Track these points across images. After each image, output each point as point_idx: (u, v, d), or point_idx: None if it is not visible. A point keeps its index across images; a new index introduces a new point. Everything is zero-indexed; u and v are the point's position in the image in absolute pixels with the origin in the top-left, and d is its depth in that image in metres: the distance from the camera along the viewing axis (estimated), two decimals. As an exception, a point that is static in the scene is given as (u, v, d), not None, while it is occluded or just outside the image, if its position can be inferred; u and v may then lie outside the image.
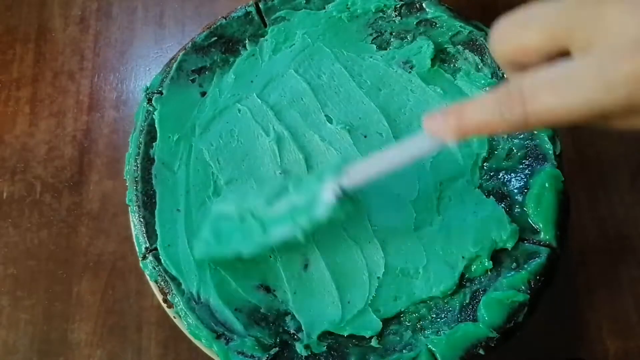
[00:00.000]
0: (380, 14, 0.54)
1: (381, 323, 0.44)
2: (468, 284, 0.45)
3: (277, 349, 0.43)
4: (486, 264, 0.45)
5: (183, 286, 0.45)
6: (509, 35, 0.29)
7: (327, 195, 0.39)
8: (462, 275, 0.45)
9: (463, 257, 0.45)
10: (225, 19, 0.53)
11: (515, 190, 0.47)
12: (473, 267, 0.46)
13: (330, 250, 0.47)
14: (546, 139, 0.47)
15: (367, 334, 0.44)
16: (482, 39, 0.51)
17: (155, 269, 0.45)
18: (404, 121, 0.51)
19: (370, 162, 0.38)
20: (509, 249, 0.45)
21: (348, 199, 0.39)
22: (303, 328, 0.44)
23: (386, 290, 0.45)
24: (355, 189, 0.39)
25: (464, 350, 0.42)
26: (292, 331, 0.45)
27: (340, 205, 0.39)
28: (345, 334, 0.44)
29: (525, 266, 0.44)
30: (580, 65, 0.25)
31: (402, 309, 0.45)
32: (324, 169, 0.41)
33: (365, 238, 0.47)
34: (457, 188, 0.48)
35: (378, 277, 0.46)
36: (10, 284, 0.57)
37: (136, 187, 0.48)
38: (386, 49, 0.54)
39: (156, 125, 0.50)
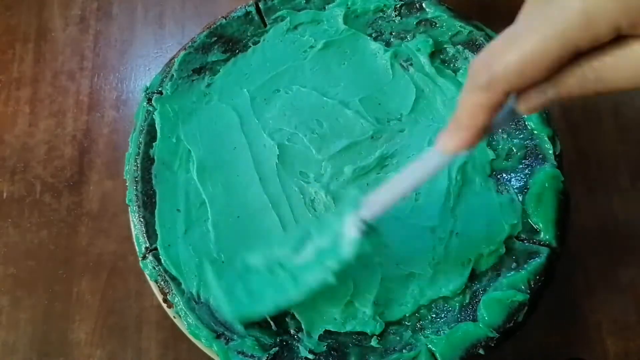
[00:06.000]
0: (380, 13, 0.54)
1: (383, 324, 0.44)
2: (469, 284, 0.45)
3: (277, 349, 0.43)
4: (501, 251, 0.45)
5: (183, 286, 0.45)
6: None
7: (351, 232, 0.38)
8: (471, 272, 0.45)
9: (471, 259, 0.45)
10: (225, 19, 0.53)
11: (515, 190, 0.47)
12: (482, 261, 0.46)
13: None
14: (546, 139, 0.47)
15: (368, 331, 0.44)
16: (482, 39, 0.51)
17: (155, 268, 0.45)
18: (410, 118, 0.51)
19: (387, 188, 0.37)
20: (514, 239, 0.46)
21: (372, 231, 0.38)
22: (303, 327, 0.44)
23: (392, 294, 0.45)
24: (376, 220, 0.38)
25: (464, 350, 0.42)
26: (292, 331, 0.45)
27: (366, 239, 0.38)
28: (345, 330, 0.44)
29: (525, 266, 0.44)
30: (522, 20, 0.26)
31: (407, 314, 0.45)
32: (343, 205, 0.40)
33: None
34: (469, 191, 0.48)
35: (382, 278, 0.46)
36: (10, 284, 0.57)
37: (136, 187, 0.48)
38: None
39: (156, 125, 0.50)
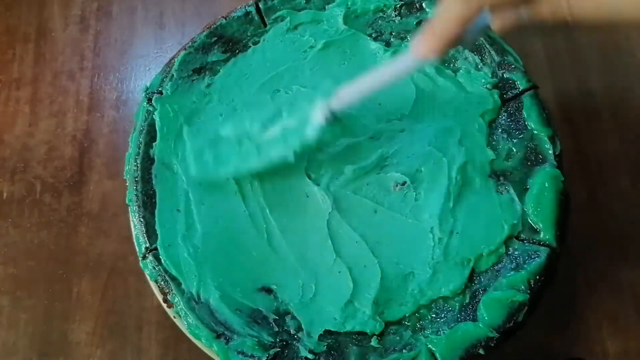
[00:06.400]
0: (380, 14, 0.54)
1: (383, 324, 0.44)
2: (469, 284, 0.45)
3: (277, 349, 0.43)
4: (500, 251, 0.45)
5: (183, 286, 0.45)
6: None
7: (317, 118, 0.43)
8: (470, 272, 0.45)
9: (471, 259, 0.45)
10: (225, 19, 0.53)
11: (516, 191, 0.47)
12: (482, 261, 0.46)
13: (334, 250, 0.47)
14: (546, 139, 0.47)
15: (368, 331, 0.44)
16: (481, 39, 0.51)
17: (155, 268, 0.45)
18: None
19: (358, 83, 0.42)
20: (514, 239, 0.46)
21: (336, 121, 0.44)
22: (303, 327, 0.44)
23: (392, 294, 0.45)
24: (343, 111, 0.43)
25: (464, 350, 0.42)
26: (292, 331, 0.45)
27: (329, 127, 0.43)
28: (345, 330, 0.44)
29: (525, 266, 0.44)
30: None
31: (407, 314, 0.45)
32: (317, 93, 0.45)
33: (373, 238, 0.47)
34: (469, 191, 0.48)
35: (382, 278, 0.45)
36: (10, 284, 0.57)
37: (136, 187, 0.48)
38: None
39: (156, 126, 0.50)
